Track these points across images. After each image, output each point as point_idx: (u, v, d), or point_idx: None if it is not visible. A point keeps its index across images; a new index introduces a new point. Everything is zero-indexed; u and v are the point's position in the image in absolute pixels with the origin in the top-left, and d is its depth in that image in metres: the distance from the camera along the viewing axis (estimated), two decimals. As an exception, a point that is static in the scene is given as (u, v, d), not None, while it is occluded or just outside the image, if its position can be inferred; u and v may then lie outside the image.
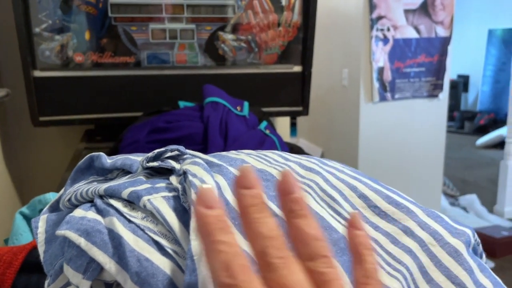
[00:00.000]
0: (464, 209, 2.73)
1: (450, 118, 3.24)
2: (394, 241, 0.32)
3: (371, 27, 2.26)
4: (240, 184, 0.24)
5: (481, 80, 5.31)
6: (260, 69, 1.18)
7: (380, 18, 2.27)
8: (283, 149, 0.96)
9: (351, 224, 0.26)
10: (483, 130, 4.77)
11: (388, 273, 0.30)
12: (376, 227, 0.33)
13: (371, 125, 2.35)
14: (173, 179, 0.33)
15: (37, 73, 1.05)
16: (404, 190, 0.39)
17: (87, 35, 1.08)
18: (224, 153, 0.43)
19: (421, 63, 2.38)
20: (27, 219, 0.63)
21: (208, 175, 0.31)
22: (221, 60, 1.16)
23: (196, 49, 1.14)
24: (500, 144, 4.19)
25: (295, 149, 1.04)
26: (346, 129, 2.46)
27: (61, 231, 0.30)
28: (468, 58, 5.27)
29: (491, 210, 2.72)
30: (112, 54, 1.10)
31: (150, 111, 1.03)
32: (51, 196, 0.62)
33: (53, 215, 0.40)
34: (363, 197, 0.35)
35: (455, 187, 2.94)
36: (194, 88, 1.14)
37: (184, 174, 0.33)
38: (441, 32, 2.37)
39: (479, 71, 5.33)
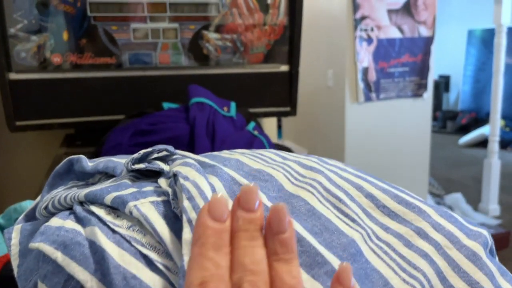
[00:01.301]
0: (450, 208, 2.74)
1: (433, 118, 3.25)
2: (408, 244, 0.29)
3: (355, 27, 2.25)
4: (240, 204, 0.22)
5: (462, 80, 5.38)
6: (246, 68, 1.15)
7: (363, 18, 2.26)
8: (272, 150, 0.93)
9: (338, 280, 0.22)
10: (465, 129, 4.83)
11: (404, 280, 0.27)
12: (386, 229, 0.30)
13: (357, 125, 2.34)
14: (162, 181, 0.30)
15: (13, 76, 1.00)
16: None
17: (65, 36, 1.03)
18: (216, 153, 0.40)
19: (405, 63, 2.38)
20: (2, 229, 0.59)
21: (202, 177, 0.28)
22: (206, 60, 1.13)
23: (179, 49, 1.10)
24: (482, 143, 4.24)
25: (284, 150, 1.01)
26: (332, 130, 2.45)
27: (35, 244, 0.26)
28: (448, 58, 5.33)
29: (476, 208, 2.74)
30: (92, 55, 1.06)
31: (132, 114, 1.00)
32: (28, 204, 0.58)
33: (28, 225, 0.36)
34: (370, 196, 0.32)
35: (440, 186, 2.96)
36: (178, 89, 1.10)
37: (174, 176, 0.30)
38: (424, 32, 2.38)
39: (460, 71, 5.40)
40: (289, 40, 1.15)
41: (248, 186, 0.22)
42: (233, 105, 0.96)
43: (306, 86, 2.60)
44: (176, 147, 0.96)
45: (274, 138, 1.45)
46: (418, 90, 2.43)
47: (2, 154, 1.20)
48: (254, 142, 0.89)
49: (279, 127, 3.07)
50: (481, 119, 4.87)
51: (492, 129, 2.67)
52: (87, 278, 0.24)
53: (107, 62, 1.07)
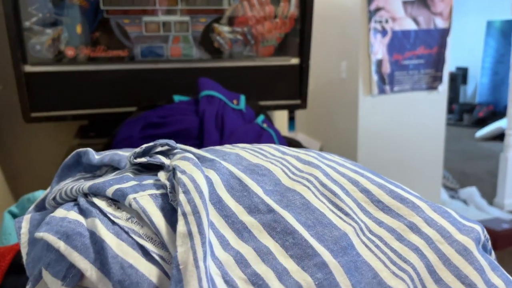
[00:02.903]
0: (464, 202, 2.71)
1: (449, 110, 3.21)
2: (400, 238, 0.30)
3: (369, 19, 2.23)
4: None
5: (480, 72, 5.29)
6: (256, 61, 1.15)
7: (378, 9, 2.24)
8: (281, 143, 0.93)
9: None
10: (482, 122, 4.75)
11: (393, 273, 0.28)
12: (380, 223, 0.31)
13: (370, 118, 2.33)
14: (162, 175, 0.31)
15: (28, 68, 1.02)
16: (403, 183, 0.37)
17: (78, 29, 1.05)
18: (218, 147, 0.41)
19: (420, 55, 2.35)
20: (16, 218, 0.61)
21: (198, 170, 0.29)
22: (217, 53, 1.14)
23: (191, 42, 1.11)
24: (499, 136, 4.17)
25: (293, 143, 1.02)
26: (345, 123, 2.44)
27: (40, 233, 0.28)
28: (466, 50, 5.24)
29: (491, 203, 2.71)
30: (105, 48, 1.07)
31: (144, 106, 1.01)
32: (40, 194, 0.60)
33: (37, 215, 0.38)
34: (365, 191, 0.33)
35: (454, 180, 2.93)
36: (189, 82, 1.11)
37: (173, 170, 0.31)
38: (440, 23, 2.34)
39: (478, 63, 5.30)
40: (300, 33, 1.15)
41: None
42: (242, 98, 0.97)
43: (319, 78, 2.59)
44: (186, 140, 0.98)
45: (284, 131, 1.46)
46: (433, 83, 2.40)
47: (17, 145, 1.23)
48: (263, 135, 0.90)
49: (292, 119, 3.07)
50: (498, 112, 4.78)
51: (509, 123, 2.63)
52: (87, 266, 0.25)
53: (119, 55, 1.08)
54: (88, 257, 0.26)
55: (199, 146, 0.83)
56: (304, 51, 1.15)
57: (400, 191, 0.33)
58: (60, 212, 0.30)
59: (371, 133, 2.35)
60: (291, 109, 1.21)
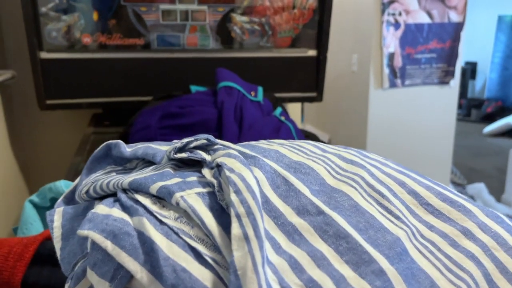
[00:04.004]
0: (472, 198, 2.70)
1: (457, 105, 3.16)
2: (453, 244, 0.29)
3: (382, 12, 2.20)
4: None
5: (489, 67, 5.23)
6: (273, 52, 1.13)
7: (391, 2, 2.20)
8: (298, 137, 0.92)
9: None
10: (490, 118, 4.72)
11: (450, 281, 0.27)
12: (431, 227, 0.30)
13: (380, 111, 2.31)
14: (206, 172, 0.30)
15: (44, 55, 1.01)
16: None
17: (95, 16, 1.03)
18: (253, 143, 0.40)
19: (432, 49, 2.33)
20: (37, 207, 0.61)
21: (247, 169, 0.28)
22: (233, 43, 1.12)
23: (207, 32, 1.10)
24: (507, 132, 4.14)
25: (310, 137, 1.00)
26: (355, 116, 2.42)
27: (84, 231, 0.27)
28: (476, 44, 5.18)
29: (499, 199, 2.69)
30: (121, 35, 1.06)
31: (160, 96, 1.00)
32: (62, 184, 0.59)
33: (69, 208, 0.37)
34: (413, 193, 0.32)
35: (462, 176, 2.91)
36: (205, 72, 1.10)
37: (218, 167, 0.30)
38: (454, 17, 2.31)
39: (487, 58, 5.24)
40: (318, 24, 1.13)
41: None
42: (260, 89, 0.96)
43: (330, 70, 2.56)
44: (204, 131, 0.97)
45: (298, 124, 1.45)
46: (445, 78, 2.38)
47: (33, 133, 1.22)
48: (281, 128, 0.89)
49: (301, 111, 3.05)
50: (507, 108, 4.75)
51: (520, 119, 2.60)
52: (137, 268, 0.24)
53: (135, 43, 1.07)
54: (138, 258, 0.25)
55: (218, 138, 0.82)
56: (321, 43, 1.13)
57: (449, 194, 0.32)
58: (102, 209, 0.29)
59: (381, 126, 2.33)
60: (307, 102, 1.19)
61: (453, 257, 0.28)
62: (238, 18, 1.10)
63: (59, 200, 0.42)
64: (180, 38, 1.09)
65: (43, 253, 0.51)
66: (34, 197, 0.60)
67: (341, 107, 2.59)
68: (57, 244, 0.34)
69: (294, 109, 1.41)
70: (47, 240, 0.52)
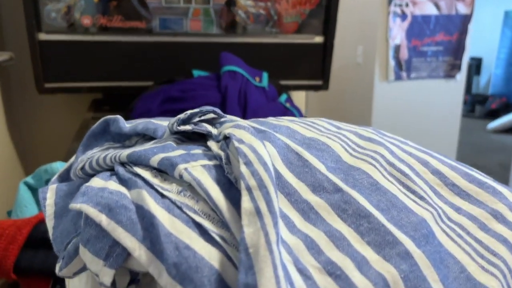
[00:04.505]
0: (475, 193, 2.67)
1: (462, 101, 3.13)
2: (483, 228, 0.26)
3: (389, 2, 2.16)
4: None
5: (494, 63, 5.18)
6: (278, 38, 1.10)
7: (399, -8, 2.17)
8: (304, 124, 0.89)
9: None
10: (494, 114, 4.68)
11: (482, 267, 0.24)
12: (458, 209, 0.27)
13: (385, 104, 2.28)
14: (213, 144, 0.27)
15: (43, 36, 0.98)
16: None
17: (96, -3, 1.00)
18: (262, 119, 0.37)
19: (439, 41, 2.29)
20: (32, 190, 0.58)
21: (258, 140, 0.25)
22: (238, 28, 1.09)
23: (211, 15, 1.07)
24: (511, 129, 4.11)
25: (316, 125, 0.98)
26: (359, 108, 2.39)
27: (77, 204, 0.24)
28: (482, 40, 5.12)
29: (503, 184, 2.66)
30: (122, 18, 1.03)
31: (162, 80, 0.97)
32: (58, 166, 0.56)
33: (63, 185, 0.34)
34: (437, 173, 0.29)
35: (466, 171, 2.88)
36: (208, 57, 1.07)
37: (225, 138, 0.27)
38: (462, 9, 2.27)
39: (493, 54, 5.19)
40: (325, 10, 1.10)
41: None
42: (265, 75, 0.93)
43: (334, 61, 2.53)
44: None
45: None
46: (451, 71, 2.34)
47: (30, 116, 1.20)
48: (287, 114, 0.86)
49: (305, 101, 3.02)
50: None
51: (526, 115, 2.57)
52: (135, 245, 0.22)
53: (137, 26, 1.04)
54: (136, 234, 0.22)
55: (221, 123, 0.79)
56: (329, 29, 1.10)
57: (476, 174, 0.30)
58: (97, 182, 0.26)
59: (385, 119, 2.30)
60: (312, 90, 1.16)
61: (484, 242, 0.25)
62: (243, 1, 1.07)
63: (54, 178, 0.39)
64: (183, 22, 1.06)
65: (37, 236, 0.49)
66: (29, 179, 0.57)
67: (345, 99, 2.56)
68: (50, 223, 0.32)
69: (297, 100, 1.38)
70: (42, 222, 0.50)
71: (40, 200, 0.33)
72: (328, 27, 1.10)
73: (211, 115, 0.31)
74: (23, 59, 1.09)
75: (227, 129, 0.27)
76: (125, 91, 1.06)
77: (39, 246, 0.49)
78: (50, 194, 0.33)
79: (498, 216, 0.27)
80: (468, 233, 0.26)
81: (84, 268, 0.26)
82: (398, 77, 2.26)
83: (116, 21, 1.03)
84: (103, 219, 0.23)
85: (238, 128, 0.27)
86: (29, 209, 0.56)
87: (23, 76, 1.14)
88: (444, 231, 0.25)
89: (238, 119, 0.33)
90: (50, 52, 1.00)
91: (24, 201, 0.56)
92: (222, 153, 0.25)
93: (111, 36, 1.03)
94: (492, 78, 5.25)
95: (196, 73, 0.95)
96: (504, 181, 2.78)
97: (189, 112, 0.30)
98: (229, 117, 0.32)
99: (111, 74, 1.05)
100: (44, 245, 0.48)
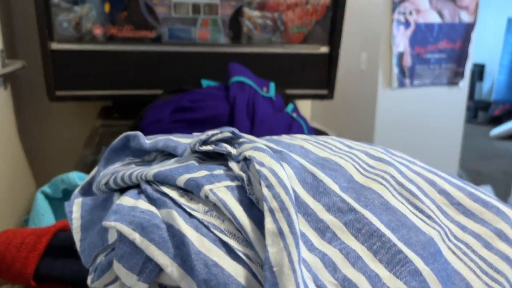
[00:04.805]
0: (478, 200, 2.68)
1: (464, 107, 3.17)
2: (487, 246, 0.28)
3: (393, 10, 2.18)
4: None
5: (497, 70, 5.20)
6: (285, 48, 1.12)
7: (402, 1, 2.19)
8: (309, 134, 0.91)
9: None
10: (497, 120, 4.69)
11: (486, 283, 0.26)
12: (463, 228, 0.29)
13: (388, 111, 2.29)
14: (234, 165, 0.29)
15: (55, 45, 1.00)
16: None
17: (107, 7, 1.03)
18: (276, 137, 0.39)
19: (442, 49, 2.31)
20: (49, 198, 0.60)
21: (277, 163, 0.27)
22: (245, 38, 1.11)
23: (219, 26, 1.09)
24: (514, 136, 4.11)
25: (322, 134, 0.99)
26: (362, 115, 2.41)
27: (110, 223, 0.26)
28: (484, 46, 5.14)
29: (505, 203, 2.67)
30: (132, 28, 1.05)
31: (171, 90, 0.99)
32: (75, 176, 0.58)
33: (88, 199, 0.36)
34: (443, 193, 0.31)
35: (468, 178, 2.90)
36: (215, 67, 1.09)
37: (245, 160, 0.29)
38: (465, 17, 2.29)
39: (496, 60, 5.21)
40: (331, 21, 1.12)
41: None
42: (272, 85, 0.95)
43: (338, 68, 2.55)
44: (215, 126, 0.95)
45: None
46: (454, 78, 2.36)
47: (41, 124, 1.22)
48: (293, 125, 0.88)
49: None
50: (514, 111, 4.71)
51: (528, 122, 2.58)
52: (167, 262, 0.23)
53: (146, 36, 1.06)
54: (168, 252, 0.24)
55: (229, 133, 0.81)
56: (334, 40, 1.12)
57: (480, 194, 0.31)
58: (127, 201, 0.28)
59: (388, 126, 2.31)
60: (318, 99, 1.18)
61: (488, 259, 0.27)
62: (250, 12, 1.09)
63: (76, 192, 0.41)
64: (192, 31, 1.08)
65: (56, 244, 0.51)
66: (46, 188, 0.59)
67: (349, 105, 2.57)
68: (77, 235, 0.34)
69: (303, 107, 1.40)
70: (60, 231, 0.51)
71: (67, 213, 0.35)
72: (334, 38, 1.12)
73: (230, 135, 0.33)
74: (35, 67, 1.11)
75: (247, 151, 0.29)
76: (134, 99, 1.08)
77: (57, 254, 0.50)
78: (76, 207, 0.35)
79: (501, 235, 0.28)
80: (473, 251, 0.27)
81: (114, 280, 0.28)
82: (401, 84, 2.27)
83: (126, 31, 1.05)
84: (136, 237, 0.24)
85: (257, 151, 0.28)
86: (46, 218, 0.57)
87: (33, 84, 1.16)
88: (450, 249, 0.27)
89: (256, 139, 0.34)
90: (62, 61, 1.02)
91: (42, 209, 0.57)
92: (243, 175, 0.27)
93: (121, 46, 1.05)
94: (495, 85, 5.26)
95: (205, 83, 0.97)
96: (507, 187, 2.79)
97: (210, 133, 0.32)
98: (246, 137, 0.34)
99: (120, 82, 1.07)
100: (62, 254, 0.50)
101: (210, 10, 1.07)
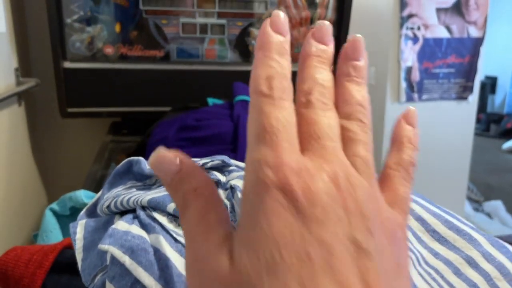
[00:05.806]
0: (488, 215, 2.66)
1: (476, 120, 3.16)
2: (457, 272, 0.30)
3: (401, 25, 2.21)
4: (314, 37, 0.22)
5: (510, 82, 5.16)
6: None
7: (410, 16, 2.21)
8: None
9: (405, 117, 0.25)
10: (510, 133, 4.65)
11: (452, 309, 0.27)
12: (435, 254, 0.31)
13: (397, 125, 2.30)
14: (221, 193, 0.32)
15: (67, 64, 1.05)
16: (427, 193, 0.37)
17: (117, 28, 1.07)
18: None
19: (451, 64, 2.32)
20: (57, 215, 0.63)
21: None
22: (251, 57, 1.14)
23: (226, 45, 1.12)
24: (527, 149, 4.07)
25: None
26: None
27: (105, 246, 0.28)
28: (497, 59, 5.12)
29: (480, 230, 2.64)
30: (142, 47, 1.09)
31: (178, 107, 1.02)
32: (82, 194, 0.61)
33: (91, 221, 0.39)
34: (420, 220, 0.33)
35: (479, 192, 2.87)
36: (222, 85, 1.12)
37: (231, 189, 0.31)
38: (474, 32, 2.30)
39: (508, 73, 5.18)
40: (335, 39, 1.14)
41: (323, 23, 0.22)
42: (276, 104, 0.97)
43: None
44: (219, 144, 0.97)
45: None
46: (463, 93, 2.36)
47: (53, 140, 1.26)
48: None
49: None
50: (527, 124, 4.66)
51: (540, 137, 2.56)
52: (151, 283, 0.26)
53: (155, 55, 1.10)
54: (153, 274, 0.26)
55: (233, 151, 0.83)
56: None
57: (455, 222, 0.33)
58: (122, 225, 0.30)
59: (397, 140, 2.32)
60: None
61: (456, 286, 0.29)
62: (256, 32, 1.12)
63: (82, 213, 0.44)
64: (199, 50, 1.11)
65: (62, 261, 0.53)
66: (54, 205, 0.62)
67: (357, 119, 2.58)
68: (79, 255, 0.36)
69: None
70: (66, 248, 0.54)
71: (71, 234, 0.38)
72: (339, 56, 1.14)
73: (220, 163, 0.35)
74: (48, 84, 1.15)
75: (233, 180, 0.31)
76: (144, 116, 1.11)
77: (63, 271, 0.53)
78: (80, 229, 0.38)
79: (471, 262, 0.30)
80: (442, 276, 0.29)
81: (109, 300, 0.30)
82: (409, 98, 2.28)
83: (136, 50, 1.09)
84: (126, 260, 0.27)
85: (242, 179, 0.31)
86: (54, 234, 0.60)
87: (46, 101, 1.21)
88: (420, 274, 0.29)
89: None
90: (74, 79, 1.06)
91: (50, 226, 0.60)
92: (227, 202, 0.30)
93: (131, 64, 1.09)
94: (507, 97, 5.22)
95: (211, 101, 1.00)
96: (518, 202, 2.76)
97: (201, 161, 0.34)
98: (236, 163, 0.37)
99: (130, 99, 1.11)
100: (68, 271, 0.53)
101: (217, 30, 1.11)
